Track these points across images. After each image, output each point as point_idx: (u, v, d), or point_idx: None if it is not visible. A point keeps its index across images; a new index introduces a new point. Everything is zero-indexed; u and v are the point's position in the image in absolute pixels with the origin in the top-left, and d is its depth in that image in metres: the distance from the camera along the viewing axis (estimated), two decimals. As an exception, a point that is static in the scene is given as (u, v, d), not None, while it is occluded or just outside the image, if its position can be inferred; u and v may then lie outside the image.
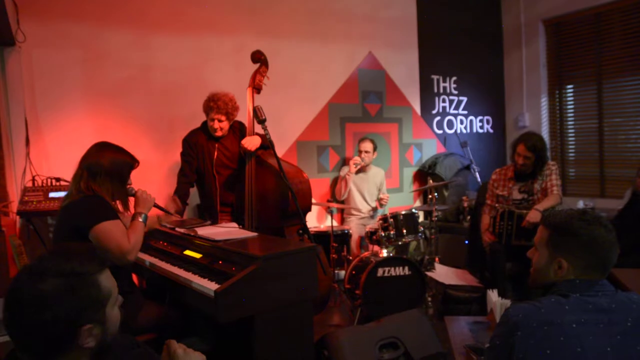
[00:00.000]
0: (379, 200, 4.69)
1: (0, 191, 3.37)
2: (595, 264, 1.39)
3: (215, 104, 3.28)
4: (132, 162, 2.35)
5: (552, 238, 1.46)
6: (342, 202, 4.73)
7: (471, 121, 6.06)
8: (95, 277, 1.11)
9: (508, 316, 1.37)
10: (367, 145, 4.62)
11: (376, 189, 4.76)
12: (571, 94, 5.84)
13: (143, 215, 2.35)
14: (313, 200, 3.45)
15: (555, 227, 1.45)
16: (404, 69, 5.49)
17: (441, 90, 5.80)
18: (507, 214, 3.51)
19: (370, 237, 3.99)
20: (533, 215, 3.39)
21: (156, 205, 2.51)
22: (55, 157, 3.59)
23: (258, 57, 3.38)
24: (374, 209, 4.74)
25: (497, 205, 3.65)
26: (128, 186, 2.38)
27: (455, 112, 5.92)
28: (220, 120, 3.33)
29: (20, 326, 1.04)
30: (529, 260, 3.89)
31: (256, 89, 3.35)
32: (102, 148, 2.30)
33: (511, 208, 3.54)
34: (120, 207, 2.34)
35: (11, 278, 2.91)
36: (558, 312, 1.31)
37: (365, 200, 4.72)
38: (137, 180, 2.46)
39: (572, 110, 5.85)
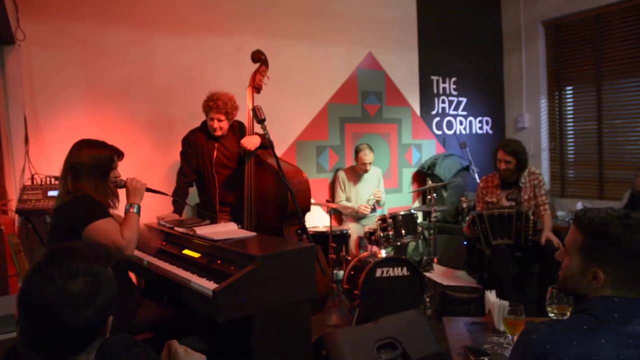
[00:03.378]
0: (374, 196, 4.67)
1: (-1, 189, 3.38)
2: (638, 278, 1.20)
3: (215, 103, 3.28)
4: (112, 155, 2.30)
5: (587, 243, 1.24)
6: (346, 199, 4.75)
7: (470, 122, 6.06)
8: (109, 270, 1.16)
9: (531, 346, 1.15)
10: (369, 157, 4.59)
11: (374, 188, 4.75)
12: (570, 96, 5.85)
13: (136, 206, 2.31)
14: (312, 201, 3.45)
15: (592, 231, 1.23)
16: (403, 70, 5.49)
17: (441, 91, 5.80)
18: (477, 218, 3.60)
19: (369, 237, 3.99)
20: (548, 238, 3.51)
21: (149, 189, 2.45)
22: (54, 155, 3.58)
23: (258, 57, 3.38)
24: (373, 207, 4.72)
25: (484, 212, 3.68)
26: (118, 178, 2.34)
27: (455, 113, 5.93)
28: (219, 120, 3.32)
29: (59, 327, 1.05)
30: (527, 262, 3.85)
31: (256, 88, 3.35)
32: (81, 146, 2.26)
33: (479, 212, 3.63)
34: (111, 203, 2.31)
35: (9, 276, 2.92)
36: (594, 346, 1.11)
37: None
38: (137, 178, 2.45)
39: (571, 112, 5.86)
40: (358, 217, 4.68)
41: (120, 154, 2.35)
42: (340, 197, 4.75)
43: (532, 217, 3.54)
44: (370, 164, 4.61)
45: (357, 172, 4.75)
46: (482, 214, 3.58)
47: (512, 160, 3.67)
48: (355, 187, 4.73)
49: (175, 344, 1.28)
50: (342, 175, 4.79)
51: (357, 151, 4.65)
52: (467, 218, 3.76)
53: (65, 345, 1.08)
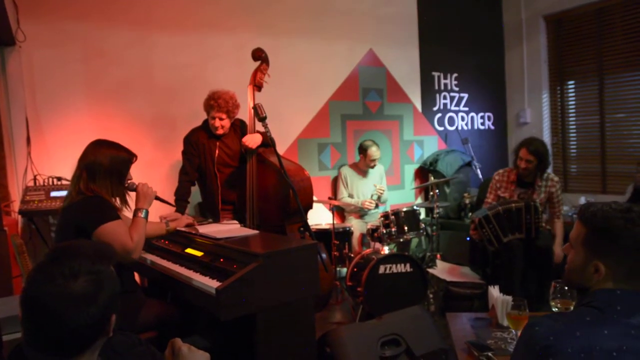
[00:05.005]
0: (377, 190, 4.68)
1: (1, 191, 3.38)
2: (639, 272, 1.21)
3: (216, 102, 3.28)
4: (129, 158, 2.33)
5: (589, 237, 1.26)
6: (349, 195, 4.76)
7: (472, 118, 6.05)
8: (112, 269, 1.16)
9: (534, 338, 1.16)
10: (378, 153, 4.61)
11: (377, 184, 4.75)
12: (572, 90, 5.83)
13: (144, 211, 2.33)
14: (314, 198, 3.45)
15: (594, 225, 1.25)
16: (404, 66, 5.48)
17: (442, 87, 5.79)
18: (484, 220, 3.55)
19: (372, 234, 3.99)
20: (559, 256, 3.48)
21: (157, 198, 2.49)
22: (56, 156, 3.59)
23: (259, 55, 3.37)
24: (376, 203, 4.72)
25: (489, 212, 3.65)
26: (129, 181, 2.37)
27: (457, 108, 5.91)
28: (221, 119, 3.32)
29: (61, 327, 1.05)
30: (532, 259, 3.81)
31: (257, 86, 3.35)
32: (98, 146, 2.28)
33: (484, 214, 3.57)
34: (118, 203, 2.33)
35: (13, 277, 2.92)
36: (597, 337, 1.12)
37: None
38: (139, 178, 2.46)
39: (573, 106, 5.84)
40: (362, 213, 4.68)
41: (135, 157, 2.37)
42: (343, 193, 4.75)
43: (540, 208, 3.51)
44: (378, 159, 4.63)
45: (360, 169, 4.75)
46: (487, 214, 3.53)
47: (534, 161, 3.57)
48: (359, 184, 4.73)
49: (179, 342, 1.28)
50: (345, 171, 4.79)
51: (364, 148, 4.64)
52: (470, 216, 3.72)
53: (69, 345, 1.08)
